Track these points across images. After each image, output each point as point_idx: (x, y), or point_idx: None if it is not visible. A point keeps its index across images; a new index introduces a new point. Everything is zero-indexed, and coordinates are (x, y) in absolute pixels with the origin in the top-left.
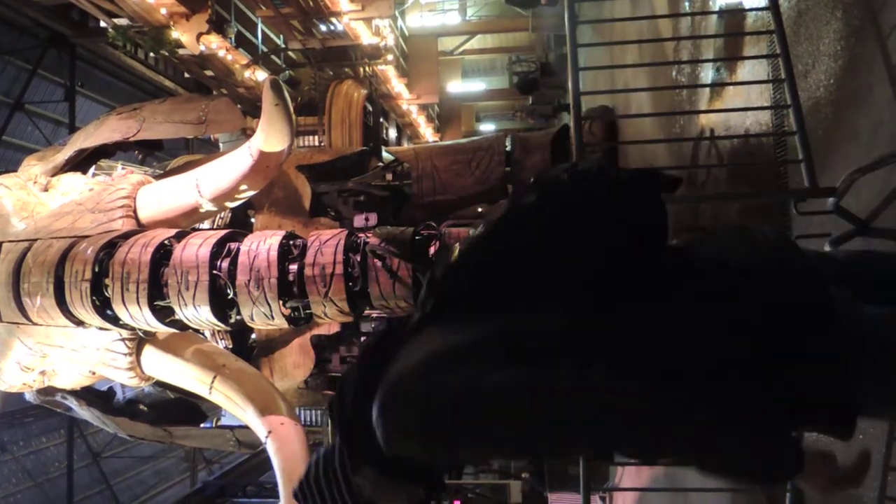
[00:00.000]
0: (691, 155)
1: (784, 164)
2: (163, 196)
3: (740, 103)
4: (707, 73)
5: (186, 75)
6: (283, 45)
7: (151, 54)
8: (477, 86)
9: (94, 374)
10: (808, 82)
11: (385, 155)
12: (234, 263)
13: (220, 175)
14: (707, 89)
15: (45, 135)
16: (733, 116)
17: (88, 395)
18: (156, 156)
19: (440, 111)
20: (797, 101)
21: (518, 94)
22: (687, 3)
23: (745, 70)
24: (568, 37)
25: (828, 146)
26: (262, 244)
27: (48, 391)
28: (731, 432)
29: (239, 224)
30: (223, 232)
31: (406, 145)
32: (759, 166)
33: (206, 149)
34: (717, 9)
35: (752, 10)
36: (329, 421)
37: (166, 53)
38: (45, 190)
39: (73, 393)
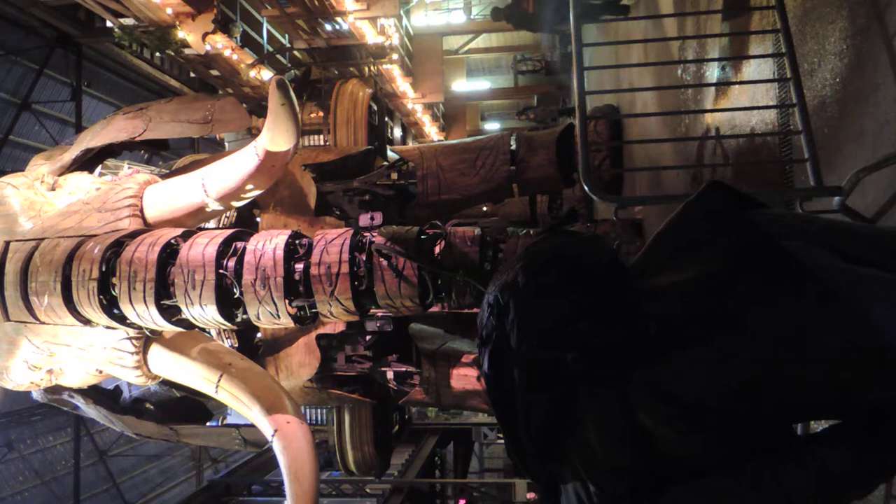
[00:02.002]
0: (696, 154)
1: (790, 163)
2: (169, 195)
3: (746, 102)
4: (712, 72)
5: (192, 75)
6: (288, 45)
7: (157, 54)
8: (482, 84)
9: (100, 372)
10: (814, 81)
11: (390, 154)
12: (240, 262)
13: (226, 174)
14: (712, 88)
15: (51, 134)
16: (739, 115)
17: (95, 393)
18: (161, 155)
19: (445, 110)
20: (803, 99)
21: (519, 27)
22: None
23: (751, 69)
24: (573, 36)
25: (833, 145)
26: (268, 243)
27: (55, 390)
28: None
29: (244, 223)
30: (229, 231)
31: (411, 144)
32: (765, 165)
33: (211, 148)
34: (722, 7)
35: (757, 8)
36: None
37: (172, 53)
38: (53, 189)
39: (80, 391)
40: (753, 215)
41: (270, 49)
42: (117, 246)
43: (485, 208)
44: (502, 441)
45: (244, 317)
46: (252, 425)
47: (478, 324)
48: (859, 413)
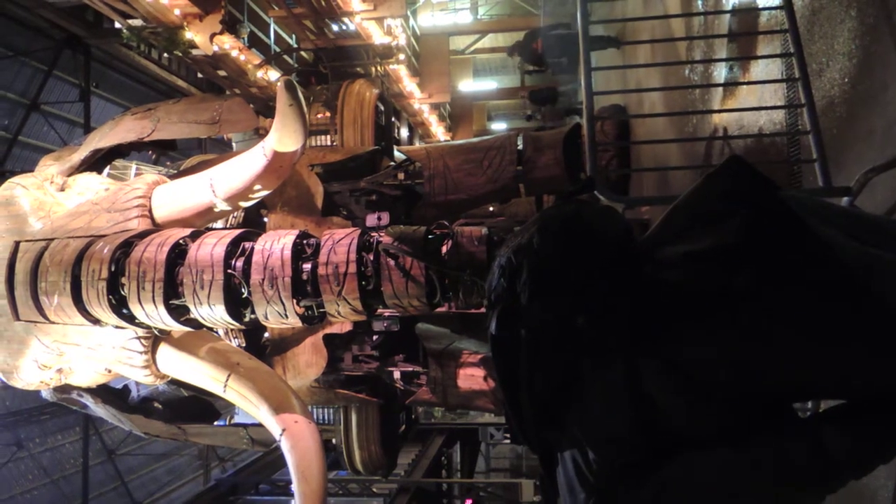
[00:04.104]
0: (704, 154)
1: (798, 164)
2: (177, 196)
3: (754, 102)
4: (720, 73)
5: (200, 75)
6: (295, 45)
7: (165, 55)
8: (488, 84)
9: (109, 371)
10: (822, 81)
11: (397, 154)
12: (248, 262)
13: (234, 175)
14: (720, 88)
15: (60, 135)
16: (746, 115)
17: (104, 392)
18: (169, 155)
19: (451, 110)
20: (811, 100)
21: (531, 63)
22: (700, 2)
23: (759, 69)
24: (581, 36)
25: (842, 145)
26: (276, 243)
27: (64, 389)
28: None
29: (252, 223)
30: (237, 231)
31: (418, 144)
32: (773, 165)
33: (219, 148)
34: (729, 7)
35: (765, 8)
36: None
37: (180, 54)
38: (62, 190)
39: (89, 391)
40: (773, 192)
41: (277, 49)
42: (126, 246)
43: (491, 208)
44: (509, 441)
45: (252, 316)
46: (259, 424)
47: (486, 288)
48: (864, 397)
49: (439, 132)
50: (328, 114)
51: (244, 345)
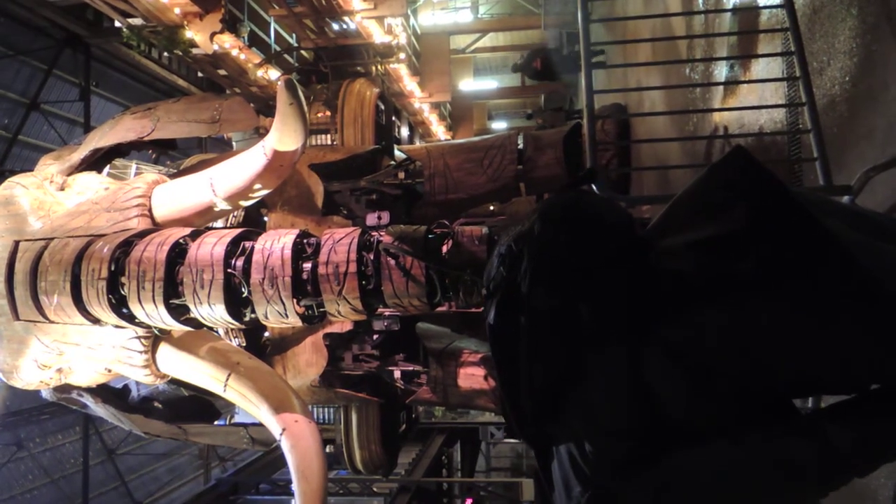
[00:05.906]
0: (705, 153)
1: (799, 163)
2: (177, 195)
3: (754, 101)
4: (721, 71)
5: (200, 74)
6: (295, 44)
7: (165, 54)
8: (489, 84)
9: (109, 371)
10: (823, 80)
11: (397, 153)
12: (248, 262)
13: (234, 174)
14: (721, 87)
15: (60, 134)
16: (747, 114)
17: (104, 392)
18: (169, 155)
19: (452, 109)
20: (812, 98)
21: (533, 78)
22: (700, 1)
23: (760, 68)
24: (581, 35)
25: (843, 144)
26: (276, 243)
27: (64, 388)
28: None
29: (252, 223)
30: (237, 231)
31: (418, 144)
32: (774, 164)
33: (219, 148)
34: (730, 6)
35: (766, 7)
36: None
37: (180, 53)
38: (62, 189)
39: (89, 390)
40: (777, 183)
41: (278, 49)
42: (126, 245)
43: (492, 207)
44: (509, 440)
45: (252, 316)
46: (260, 424)
47: (485, 279)
48: (867, 390)
49: (440, 131)
50: (328, 113)
51: (244, 344)
